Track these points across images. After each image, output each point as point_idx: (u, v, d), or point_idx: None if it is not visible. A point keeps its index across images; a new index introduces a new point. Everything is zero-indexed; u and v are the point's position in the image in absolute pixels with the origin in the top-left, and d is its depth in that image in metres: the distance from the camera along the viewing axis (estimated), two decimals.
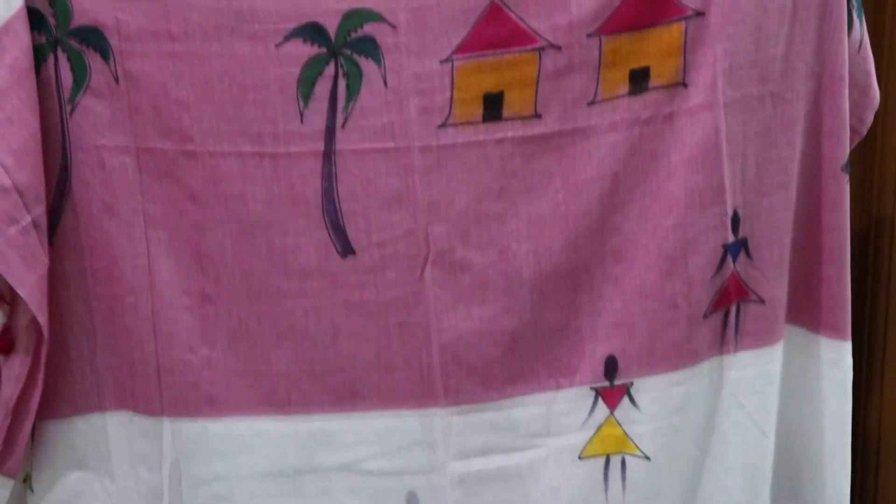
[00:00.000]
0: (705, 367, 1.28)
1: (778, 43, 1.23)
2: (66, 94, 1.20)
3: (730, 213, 1.25)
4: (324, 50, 1.19)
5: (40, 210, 1.18)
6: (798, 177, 1.29)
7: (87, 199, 1.22)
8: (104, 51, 1.19)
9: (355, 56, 1.19)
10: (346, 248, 1.23)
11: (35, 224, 1.17)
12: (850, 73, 1.29)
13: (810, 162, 1.30)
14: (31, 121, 1.16)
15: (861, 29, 1.32)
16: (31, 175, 1.16)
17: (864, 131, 1.38)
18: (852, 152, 1.32)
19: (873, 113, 1.39)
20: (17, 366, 1.22)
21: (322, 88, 1.20)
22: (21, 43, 1.15)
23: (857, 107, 1.34)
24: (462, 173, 1.22)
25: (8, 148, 1.14)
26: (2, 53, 1.14)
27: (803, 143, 1.28)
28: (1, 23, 1.14)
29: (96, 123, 1.20)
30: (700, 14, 1.21)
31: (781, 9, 1.22)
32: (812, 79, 1.26)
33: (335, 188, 1.22)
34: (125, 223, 1.22)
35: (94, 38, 1.19)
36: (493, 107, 1.21)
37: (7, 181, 1.14)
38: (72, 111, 1.20)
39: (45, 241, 1.18)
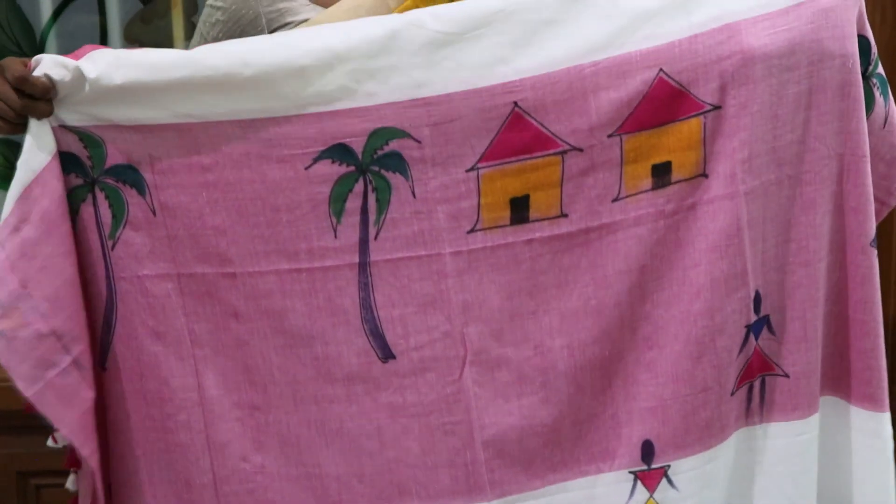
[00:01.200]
0: (733, 440, 1.33)
1: (794, 128, 1.26)
2: (107, 230, 1.24)
3: (752, 295, 1.28)
4: (352, 168, 1.23)
5: (80, 348, 1.22)
6: (827, 254, 1.32)
7: (134, 327, 1.26)
8: (140, 186, 1.23)
9: (383, 171, 1.23)
10: (387, 354, 1.27)
11: (76, 363, 1.21)
12: (875, 147, 1.31)
13: (837, 238, 1.33)
14: (65, 266, 1.20)
15: (886, 105, 1.34)
16: (68, 318, 1.20)
17: (894, 202, 1.40)
18: None
19: None
20: (87, 484, 1.29)
21: (353, 204, 1.23)
22: (52, 192, 1.19)
23: (884, 179, 1.36)
24: (493, 274, 1.26)
25: (43, 295, 1.18)
26: (33, 205, 1.18)
27: (830, 221, 1.31)
28: (33, 174, 1.18)
29: (137, 255, 1.25)
30: (717, 108, 1.23)
31: (797, 95, 1.25)
32: (833, 159, 1.29)
33: (372, 297, 1.26)
34: (172, 345, 1.27)
35: (129, 174, 1.23)
36: (519, 210, 1.25)
37: (45, 327, 1.18)
38: (113, 245, 1.24)
39: (90, 375, 1.23)
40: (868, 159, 1.29)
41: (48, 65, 1.18)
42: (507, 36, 1.21)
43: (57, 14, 1.95)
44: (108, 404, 1.27)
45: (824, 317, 1.35)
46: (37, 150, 1.19)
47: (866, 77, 1.30)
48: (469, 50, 1.21)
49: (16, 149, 1.22)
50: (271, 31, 1.37)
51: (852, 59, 1.26)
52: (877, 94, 1.32)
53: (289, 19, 1.32)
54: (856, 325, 1.34)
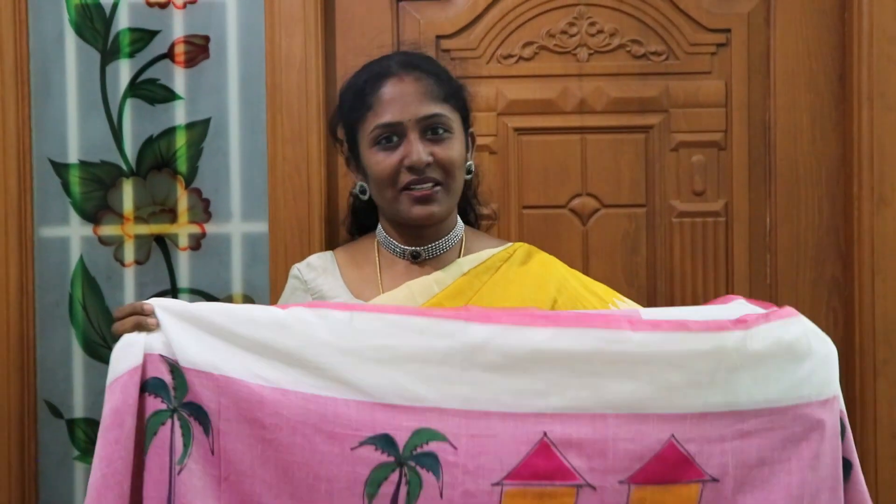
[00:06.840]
0: None
1: None
2: (177, 455, 1.41)
3: None
4: (391, 458, 1.38)
5: None
6: None
7: None
8: (206, 426, 1.41)
9: (418, 468, 1.38)
10: None
11: None
12: None
13: None
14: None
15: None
16: None
17: None
18: None
19: None
20: None
21: (386, 491, 1.38)
22: (114, 401, 1.40)
23: None
24: None
25: None
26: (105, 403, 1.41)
27: None
28: (114, 376, 1.42)
29: (195, 486, 1.41)
30: (715, 480, 1.39)
31: (788, 484, 1.39)
32: None
33: None
34: None
35: (199, 414, 1.42)
36: None
37: None
38: (180, 471, 1.41)
39: None
40: None
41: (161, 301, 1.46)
42: (549, 376, 1.39)
43: None
44: None
45: None
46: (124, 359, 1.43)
47: None
48: (514, 380, 1.39)
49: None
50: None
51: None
52: None
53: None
54: None
